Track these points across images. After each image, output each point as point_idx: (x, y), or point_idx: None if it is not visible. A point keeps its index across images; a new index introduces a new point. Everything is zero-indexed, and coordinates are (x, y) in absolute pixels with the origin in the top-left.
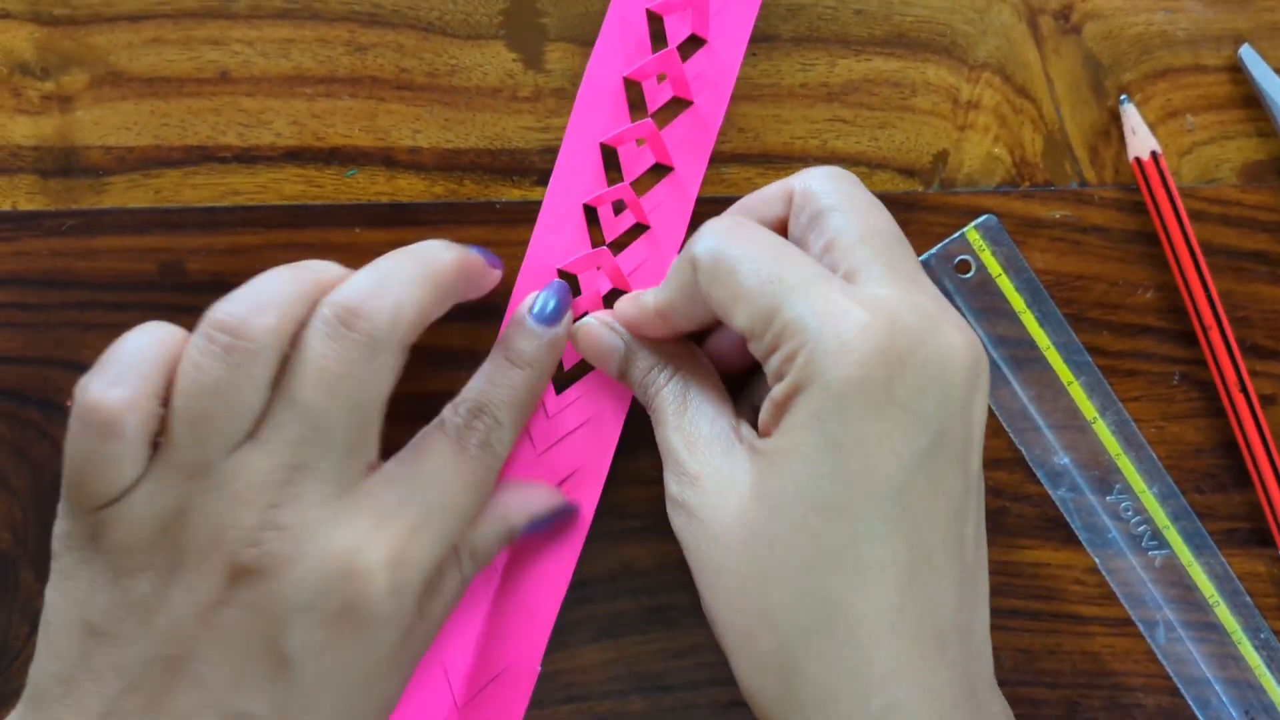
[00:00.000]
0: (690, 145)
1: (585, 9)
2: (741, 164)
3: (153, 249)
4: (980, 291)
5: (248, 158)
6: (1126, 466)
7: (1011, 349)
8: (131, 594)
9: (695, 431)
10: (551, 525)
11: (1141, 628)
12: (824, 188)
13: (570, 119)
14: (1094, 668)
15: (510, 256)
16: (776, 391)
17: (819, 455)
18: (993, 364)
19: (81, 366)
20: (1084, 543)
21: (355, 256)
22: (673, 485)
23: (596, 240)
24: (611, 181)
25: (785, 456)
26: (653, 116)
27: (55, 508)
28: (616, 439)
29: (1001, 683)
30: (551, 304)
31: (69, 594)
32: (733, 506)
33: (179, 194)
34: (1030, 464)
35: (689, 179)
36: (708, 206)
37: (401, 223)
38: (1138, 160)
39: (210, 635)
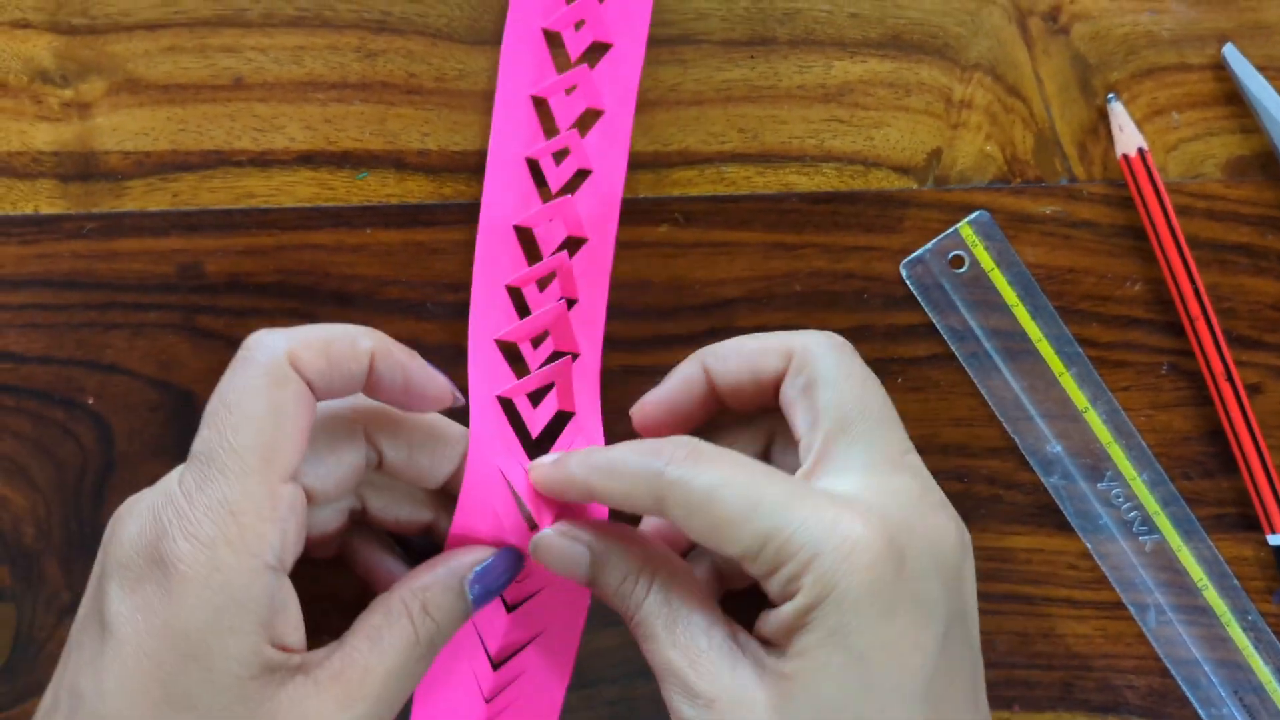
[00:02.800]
0: (616, 85)
1: None
2: (741, 163)
3: (171, 251)
4: (974, 285)
5: (262, 161)
6: (1117, 454)
7: (1004, 341)
8: None
9: (694, 646)
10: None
11: (1133, 611)
12: (825, 360)
13: (499, 77)
14: (1087, 650)
15: None
16: (787, 610)
17: (845, 672)
18: (986, 355)
19: (103, 366)
20: (1076, 529)
21: (368, 256)
22: (685, 709)
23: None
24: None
25: (811, 678)
26: (577, 64)
27: (78, 504)
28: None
29: (997, 665)
30: (483, 588)
31: None
32: None
33: (196, 197)
34: (1023, 452)
35: (620, 117)
36: (711, 204)
37: (412, 223)
38: (1125, 157)
39: None
